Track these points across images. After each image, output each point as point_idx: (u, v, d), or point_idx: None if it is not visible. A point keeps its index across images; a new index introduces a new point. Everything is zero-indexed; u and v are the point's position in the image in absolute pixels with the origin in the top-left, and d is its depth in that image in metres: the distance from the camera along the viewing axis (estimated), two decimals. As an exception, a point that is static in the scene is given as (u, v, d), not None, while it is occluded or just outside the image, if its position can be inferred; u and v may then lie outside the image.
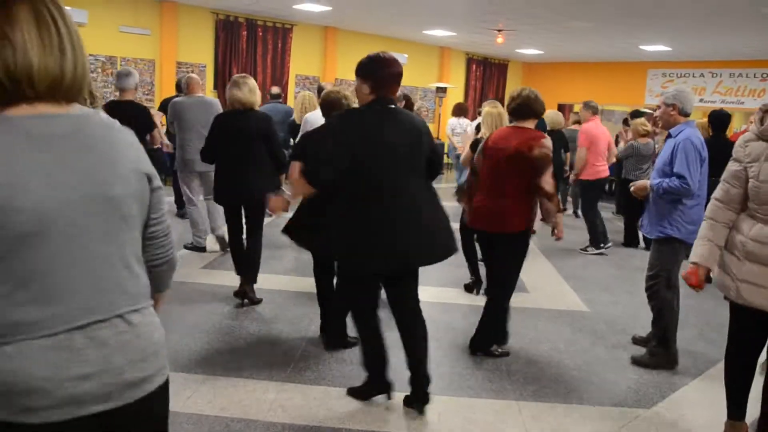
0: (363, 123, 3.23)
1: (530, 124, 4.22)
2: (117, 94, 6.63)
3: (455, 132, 10.63)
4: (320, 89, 7.05)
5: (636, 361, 4.42)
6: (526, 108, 4.21)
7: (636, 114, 10.98)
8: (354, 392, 3.62)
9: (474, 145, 5.39)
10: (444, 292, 5.83)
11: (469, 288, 5.87)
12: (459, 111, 10.81)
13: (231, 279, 5.52)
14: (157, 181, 1.60)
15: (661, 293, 4.27)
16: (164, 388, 1.60)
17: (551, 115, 8.98)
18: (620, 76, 17.36)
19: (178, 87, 8.42)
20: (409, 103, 9.11)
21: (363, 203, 3.17)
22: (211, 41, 12.69)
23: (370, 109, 3.26)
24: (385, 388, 3.56)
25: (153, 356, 1.54)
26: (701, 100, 16.01)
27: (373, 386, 3.57)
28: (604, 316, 5.45)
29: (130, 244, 1.53)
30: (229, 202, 5.19)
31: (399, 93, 6.86)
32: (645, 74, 16.93)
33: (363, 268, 3.31)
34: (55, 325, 1.37)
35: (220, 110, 6.57)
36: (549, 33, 13.13)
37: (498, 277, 4.33)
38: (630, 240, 8.52)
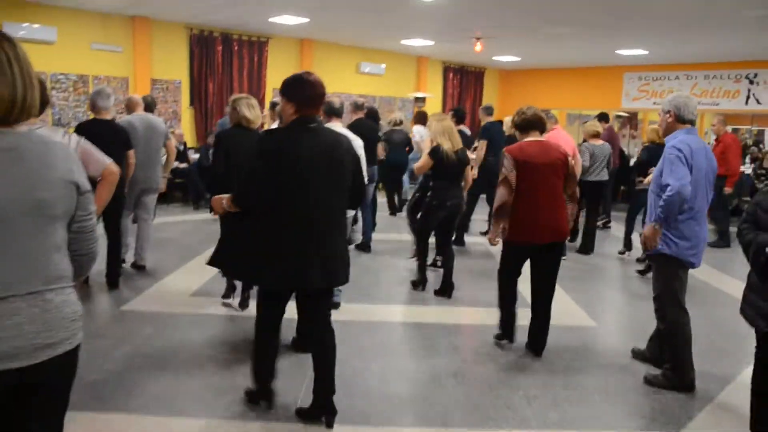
0: (280, 143, 3.25)
1: (540, 136, 4.60)
2: (90, 113, 6.40)
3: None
4: (273, 104, 7.04)
5: (648, 381, 4.23)
6: (539, 122, 4.59)
7: (602, 116, 11.13)
8: (248, 397, 3.74)
9: (433, 153, 5.78)
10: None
11: (416, 285, 6.34)
12: (421, 119, 10.60)
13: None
14: (85, 188, 1.97)
15: (669, 315, 4.10)
16: (71, 353, 1.94)
17: (509, 122, 8.96)
18: (597, 81, 17.38)
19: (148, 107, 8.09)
20: (373, 114, 8.98)
21: (276, 224, 3.24)
22: (185, 57, 12.41)
23: (289, 129, 3.32)
24: (269, 396, 3.67)
25: (60, 327, 1.90)
26: (677, 103, 16.05)
27: (260, 394, 3.67)
28: (612, 331, 5.34)
29: (52, 237, 1.89)
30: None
31: (364, 104, 6.73)
32: (621, 78, 16.96)
33: (266, 285, 3.46)
34: None
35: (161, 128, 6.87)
36: (527, 39, 13.07)
37: (552, 282, 4.64)
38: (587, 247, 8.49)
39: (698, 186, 3.91)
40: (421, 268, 6.33)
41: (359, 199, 3.63)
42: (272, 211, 3.23)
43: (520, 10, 9.87)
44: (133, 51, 11.63)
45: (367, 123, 7.81)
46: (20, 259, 1.81)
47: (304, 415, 3.58)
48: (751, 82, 14.94)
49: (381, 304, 5.91)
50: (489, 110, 9.56)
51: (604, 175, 8.47)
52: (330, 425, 3.50)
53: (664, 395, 4.08)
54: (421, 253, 6.31)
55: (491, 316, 5.08)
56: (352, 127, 6.53)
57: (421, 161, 6.02)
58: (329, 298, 3.67)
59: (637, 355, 4.61)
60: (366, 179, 3.81)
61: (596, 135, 8.56)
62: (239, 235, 3.63)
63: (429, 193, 6.09)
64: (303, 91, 3.28)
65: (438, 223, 6.06)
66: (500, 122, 9.30)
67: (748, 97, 15.06)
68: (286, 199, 3.20)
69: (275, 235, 3.24)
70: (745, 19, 9.73)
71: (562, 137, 7.83)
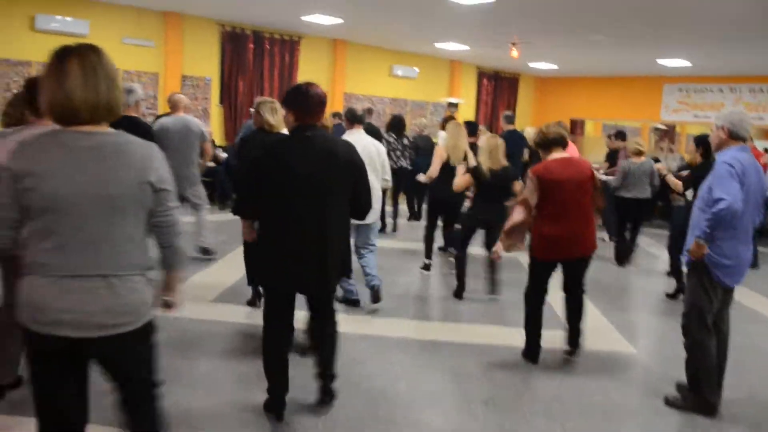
0: (277, 152, 3.34)
1: (563, 152, 4.62)
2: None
3: None
4: None
5: (669, 403, 4.10)
6: (561, 139, 4.60)
7: (620, 134, 10.81)
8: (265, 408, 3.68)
9: (473, 172, 6.06)
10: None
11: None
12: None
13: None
14: (161, 185, 2.22)
15: (693, 332, 3.94)
16: (132, 334, 2.21)
17: (532, 133, 8.73)
18: (635, 91, 16.91)
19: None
20: (373, 130, 8.83)
21: (274, 229, 3.35)
22: (216, 54, 12.30)
23: (288, 138, 3.48)
24: (279, 408, 3.58)
25: (124, 311, 2.17)
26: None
27: (270, 405, 3.63)
28: (654, 359, 5.04)
29: (124, 229, 2.16)
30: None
31: (363, 116, 6.64)
32: (661, 89, 16.50)
33: (270, 286, 3.56)
34: (56, 271, 2.09)
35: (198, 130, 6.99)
36: (565, 46, 12.74)
37: (582, 282, 4.74)
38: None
39: (747, 205, 3.74)
40: (460, 277, 6.40)
41: (362, 206, 3.56)
42: (269, 216, 3.38)
43: (559, 15, 9.57)
44: (165, 46, 11.54)
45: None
46: (91, 245, 2.11)
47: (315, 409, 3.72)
48: (798, 98, 14.42)
49: (408, 319, 5.66)
50: (510, 118, 9.36)
51: (644, 193, 8.14)
52: (324, 403, 3.71)
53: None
54: (459, 263, 6.41)
55: (522, 336, 4.85)
56: None
57: (458, 179, 6.26)
58: (330, 298, 3.73)
59: (680, 389, 4.25)
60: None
61: (639, 153, 8.25)
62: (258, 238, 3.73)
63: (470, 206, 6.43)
64: (303, 100, 3.38)
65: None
66: (518, 131, 9.11)
67: (794, 113, 14.54)
68: (281, 205, 3.31)
69: (274, 240, 3.36)
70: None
71: (572, 150, 7.63)
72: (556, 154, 4.56)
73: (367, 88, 14.88)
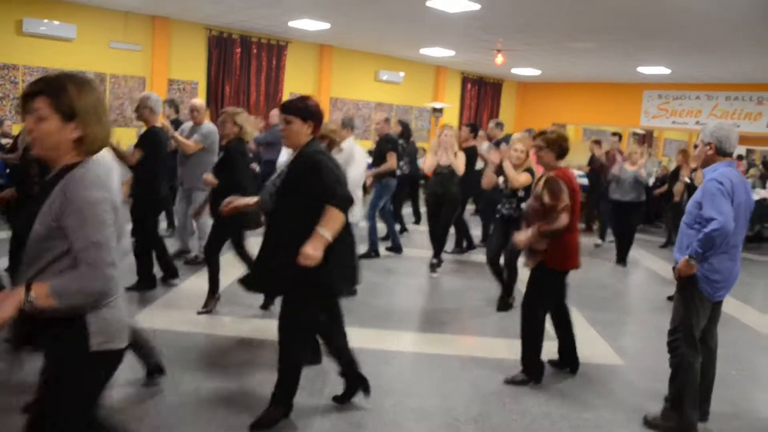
0: (334, 162, 3.52)
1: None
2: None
3: None
4: None
5: (647, 423, 3.96)
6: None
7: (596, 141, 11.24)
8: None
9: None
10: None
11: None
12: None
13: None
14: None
15: (680, 350, 3.83)
16: None
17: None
18: (616, 97, 17.18)
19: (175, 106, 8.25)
20: (407, 128, 9.07)
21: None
22: (203, 58, 12.34)
23: (324, 150, 3.55)
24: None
25: None
26: (697, 123, 15.88)
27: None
28: (642, 372, 4.90)
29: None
30: None
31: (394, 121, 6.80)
32: (641, 95, 16.77)
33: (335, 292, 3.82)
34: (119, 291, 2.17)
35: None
36: (548, 53, 12.93)
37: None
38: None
39: (737, 221, 3.69)
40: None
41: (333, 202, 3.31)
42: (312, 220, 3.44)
43: (543, 24, 9.73)
44: (152, 50, 11.56)
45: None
46: None
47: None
48: (774, 105, 14.73)
49: (395, 330, 5.47)
50: (501, 126, 9.43)
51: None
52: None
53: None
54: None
55: (511, 349, 4.77)
56: None
57: (522, 176, 5.94)
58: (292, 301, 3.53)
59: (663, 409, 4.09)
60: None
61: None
62: None
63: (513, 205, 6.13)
64: (320, 116, 3.50)
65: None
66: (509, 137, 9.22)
67: (770, 120, 14.85)
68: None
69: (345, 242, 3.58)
70: (772, 41, 9.57)
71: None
72: (563, 163, 4.52)
73: (353, 92, 14.97)
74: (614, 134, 11.06)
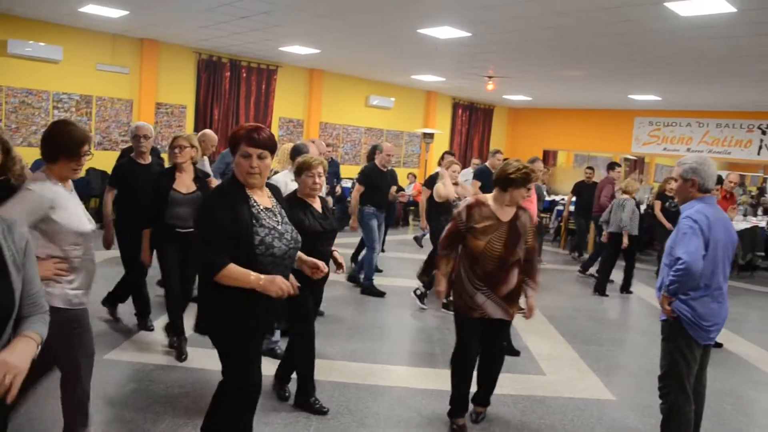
0: None
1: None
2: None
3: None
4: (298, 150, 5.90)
5: None
6: None
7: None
8: None
9: None
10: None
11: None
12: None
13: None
14: None
15: (671, 397, 3.69)
16: None
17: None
18: (607, 124, 17.18)
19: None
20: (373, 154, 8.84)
21: None
22: (192, 81, 12.23)
23: None
24: None
25: None
26: (688, 149, 15.88)
27: None
28: (633, 406, 4.78)
29: None
30: None
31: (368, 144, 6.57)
32: (632, 122, 16.77)
33: None
34: None
35: None
36: (539, 80, 12.91)
37: None
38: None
39: (716, 261, 3.54)
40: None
41: None
42: None
43: (535, 52, 9.69)
44: (140, 73, 11.44)
45: None
46: None
47: None
48: (764, 133, 14.77)
49: (372, 364, 5.24)
50: (498, 154, 9.23)
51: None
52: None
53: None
54: None
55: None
56: None
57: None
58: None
59: None
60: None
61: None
62: None
63: None
64: None
65: None
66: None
67: (760, 148, 14.86)
68: None
69: None
70: (759, 71, 9.61)
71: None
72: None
73: (343, 117, 14.90)
74: (614, 164, 11.03)
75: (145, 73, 11.46)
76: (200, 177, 4.92)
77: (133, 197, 5.12)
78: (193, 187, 4.79)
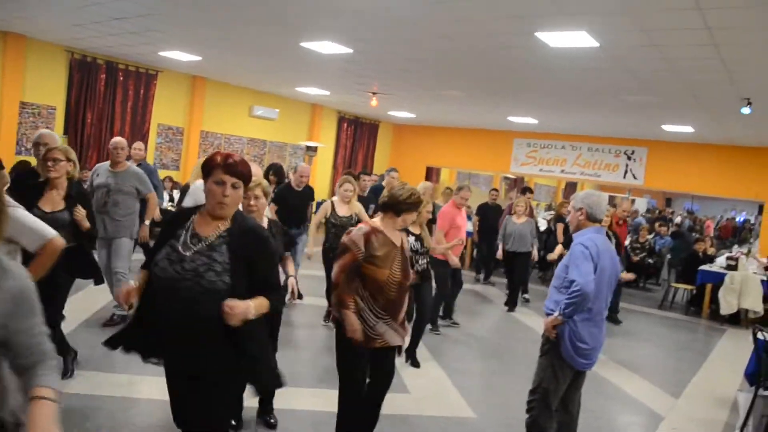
0: None
1: None
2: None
3: None
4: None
5: None
6: None
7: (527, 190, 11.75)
8: None
9: None
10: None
11: None
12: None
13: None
14: None
15: (534, 412, 3.85)
16: None
17: (429, 187, 8.37)
18: (488, 143, 17.77)
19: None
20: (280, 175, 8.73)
21: None
22: (63, 82, 11.54)
23: None
24: None
25: None
26: (562, 171, 16.69)
27: None
28: (494, 423, 4.84)
29: None
30: None
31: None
32: (511, 143, 17.42)
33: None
34: None
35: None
36: (421, 99, 13.16)
37: None
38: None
39: (600, 287, 3.75)
40: None
41: None
42: None
43: (416, 71, 9.86)
44: (2, 70, 10.67)
45: None
46: None
47: None
48: (629, 158, 15.73)
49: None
50: (391, 172, 9.13)
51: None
52: None
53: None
54: None
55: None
56: None
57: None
58: None
59: None
60: None
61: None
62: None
63: None
64: None
65: None
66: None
67: (626, 172, 15.83)
68: None
69: None
70: (625, 102, 10.24)
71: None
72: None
73: (225, 127, 14.57)
74: (527, 189, 11.61)
75: (8, 71, 10.68)
76: (72, 195, 4.41)
77: None
78: (60, 206, 4.33)
